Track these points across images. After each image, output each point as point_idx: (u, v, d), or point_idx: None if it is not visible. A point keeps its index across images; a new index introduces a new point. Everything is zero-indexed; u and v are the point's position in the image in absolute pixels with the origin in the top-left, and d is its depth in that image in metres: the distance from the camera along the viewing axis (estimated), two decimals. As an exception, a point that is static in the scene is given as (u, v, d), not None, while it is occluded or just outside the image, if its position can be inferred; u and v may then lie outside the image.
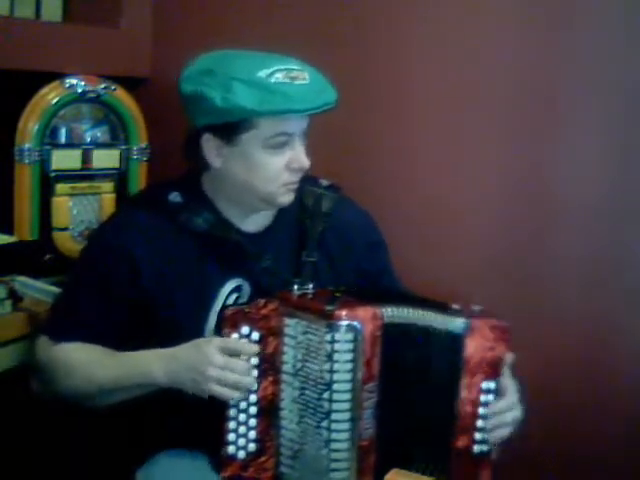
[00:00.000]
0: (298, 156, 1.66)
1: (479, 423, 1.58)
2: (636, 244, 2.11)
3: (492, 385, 1.58)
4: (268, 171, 1.65)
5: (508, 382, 1.61)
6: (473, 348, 1.57)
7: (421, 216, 2.30)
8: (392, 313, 1.56)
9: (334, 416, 1.53)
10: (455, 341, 1.57)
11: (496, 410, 1.59)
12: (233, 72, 1.60)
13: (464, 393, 1.57)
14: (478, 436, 1.59)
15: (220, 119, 1.62)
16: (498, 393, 1.59)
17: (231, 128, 1.62)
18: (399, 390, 1.58)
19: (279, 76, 1.58)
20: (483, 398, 1.58)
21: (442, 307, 1.60)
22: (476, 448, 1.59)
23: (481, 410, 1.58)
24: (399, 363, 1.58)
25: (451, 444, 1.58)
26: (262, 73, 1.58)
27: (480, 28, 2.19)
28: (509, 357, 1.60)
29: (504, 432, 1.60)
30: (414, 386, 1.59)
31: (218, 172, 1.69)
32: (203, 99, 1.61)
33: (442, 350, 1.58)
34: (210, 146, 1.66)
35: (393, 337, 1.56)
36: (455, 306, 1.61)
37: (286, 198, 1.70)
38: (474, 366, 1.57)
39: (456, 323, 1.57)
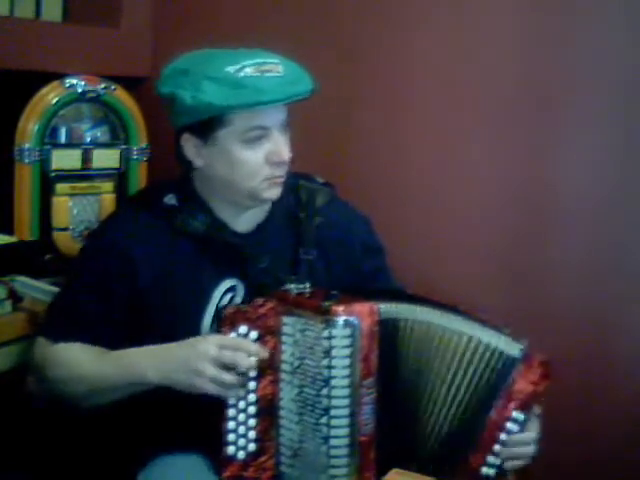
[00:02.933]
0: (277, 149, 1.65)
1: (496, 447, 1.58)
2: (636, 245, 2.10)
3: (521, 417, 1.58)
4: (248, 166, 1.64)
5: (532, 418, 1.61)
6: (519, 377, 1.56)
7: (419, 217, 2.30)
8: (390, 309, 1.57)
9: (333, 412, 1.53)
10: (506, 364, 1.57)
11: (515, 441, 1.59)
12: (204, 70, 1.61)
13: (494, 414, 1.57)
14: (490, 459, 1.58)
15: (193, 118, 1.63)
16: (523, 426, 1.59)
17: (206, 126, 1.63)
18: (402, 387, 1.59)
19: (248, 70, 1.59)
20: (509, 425, 1.58)
21: (487, 322, 1.59)
22: (484, 470, 1.59)
23: (502, 436, 1.58)
24: (401, 359, 1.59)
25: (465, 459, 1.58)
26: (230, 68, 1.59)
27: (479, 28, 2.19)
28: (543, 397, 1.60)
29: (515, 463, 1.61)
30: (420, 383, 1.59)
31: (203, 172, 1.70)
32: (176, 99, 1.63)
33: (482, 364, 1.58)
34: (190, 146, 1.67)
35: (393, 333, 1.57)
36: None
37: (271, 192, 1.69)
38: (513, 394, 1.57)
39: (511, 346, 1.57)
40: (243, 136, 1.62)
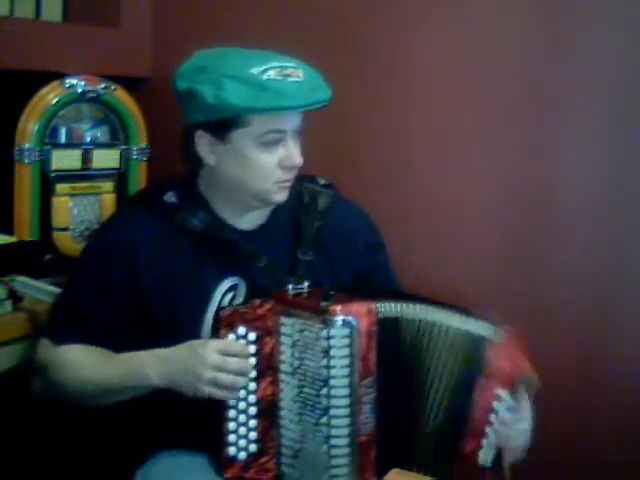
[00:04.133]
0: (291, 154, 1.65)
1: (488, 429, 1.58)
2: (636, 245, 2.10)
3: (506, 394, 1.57)
4: (261, 169, 1.64)
5: (523, 399, 1.60)
6: (494, 355, 1.56)
7: (419, 217, 2.31)
8: (387, 308, 1.56)
9: (333, 412, 1.53)
10: (477, 344, 1.57)
11: (507, 421, 1.58)
12: (225, 69, 1.60)
13: (478, 397, 1.57)
14: (485, 442, 1.58)
15: (212, 116, 1.62)
16: (512, 405, 1.58)
17: (224, 125, 1.62)
18: (400, 385, 1.59)
19: (271, 73, 1.58)
20: (495, 405, 1.57)
21: (463, 310, 1.60)
22: (481, 456, 1.58)
23: (492, 417, 1.57)
24: (398, 358, 1.58)
25: (459, 447, 1.58)
26: (254, 70, 1.58)
27: (479, 28, 2.19)
28: (529, 375, 1.59)
29: (514, 453, 1.60)
30: (416, 381, 1.59)
31: (212, 170, 1.69)
32: (195, 96, 1.61)
33: (457, 350, 1.58)
34: (204, 143, 1.66)
35: (390, 332, 1.56)
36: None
37: (280, 196, 1.69)
38: (492, 373, 1.56)
39: (481, 327, 1.57)
40: (260, 138, 1.62)
